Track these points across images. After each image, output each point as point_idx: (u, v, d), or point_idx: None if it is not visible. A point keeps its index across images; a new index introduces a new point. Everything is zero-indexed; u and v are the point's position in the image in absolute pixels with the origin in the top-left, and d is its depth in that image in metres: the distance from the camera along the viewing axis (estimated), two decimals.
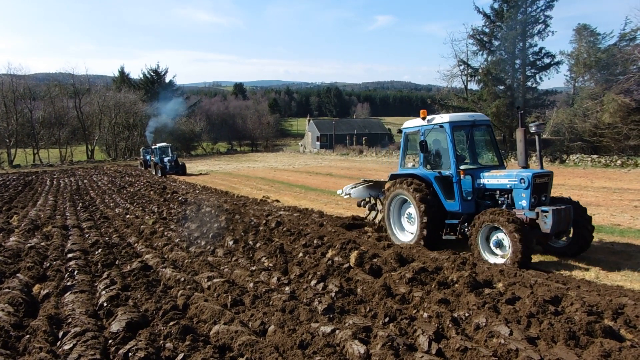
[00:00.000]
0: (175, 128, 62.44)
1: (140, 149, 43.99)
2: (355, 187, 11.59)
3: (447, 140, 8.41)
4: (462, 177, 8.33)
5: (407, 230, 9.39)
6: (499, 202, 8.19)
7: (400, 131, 9.83)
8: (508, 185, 7.95)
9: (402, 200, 9.26)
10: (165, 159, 33.67)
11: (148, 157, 38.07)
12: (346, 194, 11.74)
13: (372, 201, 11.39)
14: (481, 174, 8.39)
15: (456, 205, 8.42)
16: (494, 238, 7.56)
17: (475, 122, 8.83)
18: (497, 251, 7.54)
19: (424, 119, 8.86)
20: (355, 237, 9.43)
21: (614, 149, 31.13)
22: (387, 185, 10.88)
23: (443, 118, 8.58)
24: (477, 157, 9.33)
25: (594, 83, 35.15)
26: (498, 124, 41.22)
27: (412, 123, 9.42)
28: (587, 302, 5.16)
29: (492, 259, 7.50)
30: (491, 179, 8.24)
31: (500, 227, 7.26)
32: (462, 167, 8.52)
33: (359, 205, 11.94)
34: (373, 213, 11.45)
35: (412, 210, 8.99)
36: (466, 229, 8.18)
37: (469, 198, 8.42)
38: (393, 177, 9.58)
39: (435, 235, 8.57)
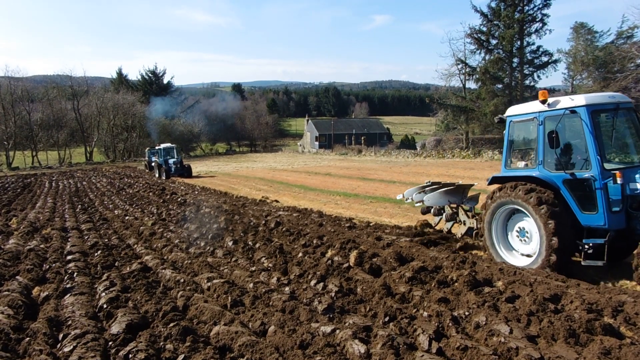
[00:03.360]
0: (174, 129, 62.45)
1: (146, 150, 42.04)
2: (424, 191, 9.85)
3: (585, 129, 6.36)
4: (617, 181, 6.18)
5: (517, 250, 7.32)
6: None
7: (501, 120, 7.73)
8: None
9: (510, 212, 7.25)
10: (170, 161, 31.99)
11: (154, 159, 35.73)
12: (417, 202, 9.91)
13: (449, 210, 9.46)
14: (636, 176, 6.31)
15: (599, 219, 6.30)
16: None
17: (619, 105, 6.72)
18: None
19: (544, 102, 6.79)
20: (354, 237, 9.40)
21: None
22: (471, 192, 9.54)
23: (575, 100, 6.53)
24: (605, 152, 6.89)
25: (592, 81, 35.29)
26: (496, 123, 41.28)
27: (521, 109, 7.40)
28: (587, 299, 5.17)
29: None
30: None
31: None
32: (607, 165, 6.43)
33: (424, 213, 10.16)
34: (448, 224, 9.69)
35: (527, 224, 6.99)
36: (583, 248, 6.37)
37: (617, 209, 6.28)
38: (496, 180, 7.54)
39: (567, 260, 6.62)
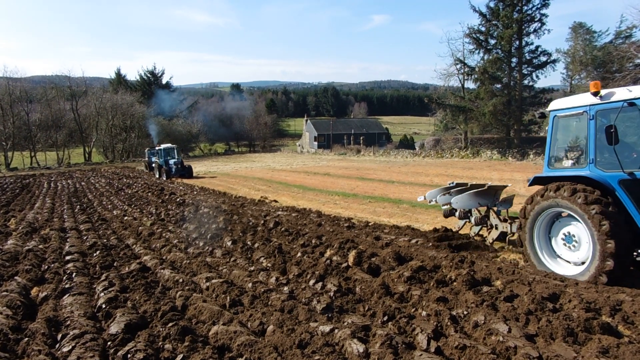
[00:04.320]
0: (173, 129, 62.45)
1: (146, 150, 41.86)
2: (449, 193, 9.35)
3: None
4: None
5: (562, 257, 6.70)
6: None
7: (542, 115, 7.25)
8: None
9: (555, 215, 6.68)
10: (171, 161, 31.60)
11: (154, 159, 35.46)
12: (443, 204, 9.44)
13: (478, 213, 8.92)
14: None
15: None
16: None
17: None
18: None
19: (595, 94, 6.21)
20: (353, 237, 9.41)
21: None
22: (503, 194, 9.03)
23: (634, 91, 5.89)
24: None
25: (590, 81, 35.38)
26: (495, 123, 41.40)
27: (568, 102, 6.76)
28: (585, 298, 5.18)
29: None
30: None
31: None
32: None
33: (447, 216, 9.69)
34: (475, 228, 9.17)
35: (575, 230, 6.41)
36: None
37: None
38: (539, 180, 7.00)
39: (625, 268, 5.98)
